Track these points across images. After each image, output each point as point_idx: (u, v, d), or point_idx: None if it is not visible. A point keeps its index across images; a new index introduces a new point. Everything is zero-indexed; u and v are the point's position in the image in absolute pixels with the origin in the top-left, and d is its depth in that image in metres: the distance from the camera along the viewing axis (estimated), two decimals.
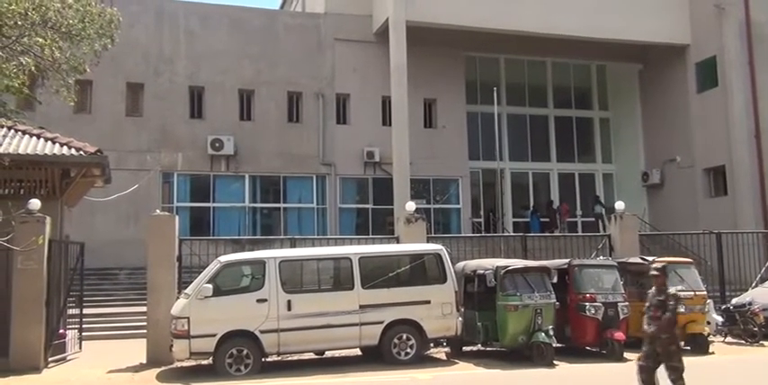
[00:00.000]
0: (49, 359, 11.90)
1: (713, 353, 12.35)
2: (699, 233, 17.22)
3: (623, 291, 12.37)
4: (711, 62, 23.68)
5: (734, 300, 14.25)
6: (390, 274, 11.75)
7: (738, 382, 10.02)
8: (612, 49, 24.83)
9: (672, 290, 7.84)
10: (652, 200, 25.76)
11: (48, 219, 11.75)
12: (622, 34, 23.54)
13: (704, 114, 23.76)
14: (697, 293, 12.69)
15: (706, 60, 23.90)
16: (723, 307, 14.17)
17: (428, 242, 13.70)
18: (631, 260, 13.58)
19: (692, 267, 13.34)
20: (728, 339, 13.78)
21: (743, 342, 13.58)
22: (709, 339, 12.66)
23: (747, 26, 22.83)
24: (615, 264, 13.03)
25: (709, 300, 13.20)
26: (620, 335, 11.70)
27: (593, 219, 24.80)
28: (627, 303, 12.16)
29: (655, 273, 8.00)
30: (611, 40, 23.84)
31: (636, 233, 15.72)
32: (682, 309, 8.00)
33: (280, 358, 11.61)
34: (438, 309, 11.62)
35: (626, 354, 11.66)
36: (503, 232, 23.05)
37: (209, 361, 11.00)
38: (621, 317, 11.98)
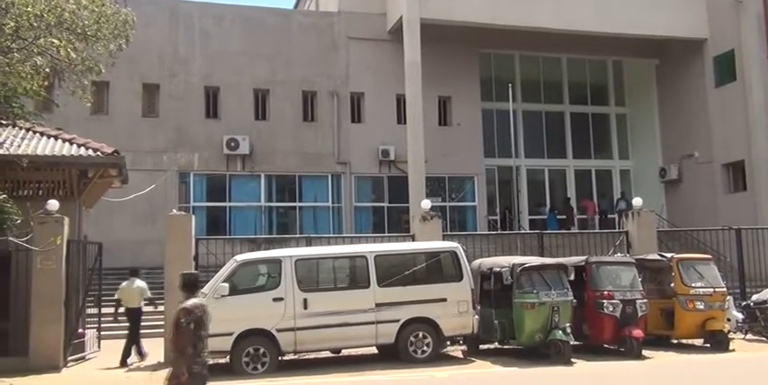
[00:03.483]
0: (69, 358, 12.01)
1: (733, 350, 12.21)
2: (718, 229, 17.04)
3: (641, 288, 12.27)
4: (730, 56, 23.39)
5: (754, 297, 14.07)
6: (406, 272, 11.73)
7: (760, 380, 9.89)
8: (629, 44, 24.59)
9: (191, 301, 5.95)
10: (670, 196, 25.51)
11: (66, 220, 11.87)
12: (638, 29, 23.30)
13: (722, 109, 23.49)
14: (717, 290, 12.58)
15: (724, 54, 23.61)
16: (743, 303, 14.03)
17: (444, 240, 13.64)
18: (649, 257, 13.47)
19: (712, 264, 13.21)
20: (749, 336, 13.65)
21: (764, 339, 13.42)
22: (729, 336, 12.53)
23: (766, 19, 22.51)
24: (633, 260, 12.93)
25: (728, 297, 13.06)
26: (638, 332, 11.60)
27: (617, 216, 24.53)
28: (645, 300, 12.08)
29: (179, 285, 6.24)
30: (628, 36, 23.61)
31: (654, 229, 15.61)
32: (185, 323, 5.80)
33: (296, 356, 11.64)
34: (454, 307, 11.59)
35: (645, 352, 11.59)
36: (519, 229, 22.93)
37: (227, 359, 11.04)
38: (640, 314, 11.89)
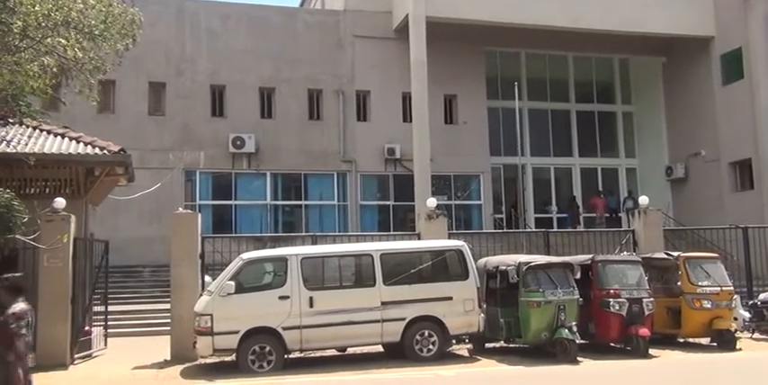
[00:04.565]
0: (75, 356, 12.05)
1: (740, 349, 12.15)
2: (725, 228, 16.97)
3: (648, 287, 12.24)
4: (737, 54, 23.31)
5: (761, 296, 14.01)
6: (412, 271, 11.71)
7: (767, 380, 9.86)
8: (635, 42, 24.53)
9: (20, 306, 6.04)
10: (676, 194, 25.44)
11: (72, 218, 11.90)
12: (645, 27, 23.25)
13: (729, 107, 23.40)
14: (723, 289, 12.52)
15: (731, 52, 23.53)
16: (750, 302, 13.97)
17: (449, 238, 13.61)
18: (656, 255, 13.43)
19: (719, 262, 13.16)
20: (756, 335, 13.58)
21: None
22: (736, 335, 12.48)
23: None
24: (639, 259, 12.89)
25: (736, 296, 13.01)
26: (644, 331, 11.56)
27: (625, 215, 24.45)
28: (652, 299, 12.03)
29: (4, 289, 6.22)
30: (634, 33, 23.54)
31: (660, 228, 15.55)
32: (24, 331, 6.00)
33: (302, 355, 11.65)
34: (460, 306, 11.57)
35: (651, 351, 11.57)
36: (525, 228, 22.92)
37: (233, 357, 11.06)
38: (646, 313, 11.85)
